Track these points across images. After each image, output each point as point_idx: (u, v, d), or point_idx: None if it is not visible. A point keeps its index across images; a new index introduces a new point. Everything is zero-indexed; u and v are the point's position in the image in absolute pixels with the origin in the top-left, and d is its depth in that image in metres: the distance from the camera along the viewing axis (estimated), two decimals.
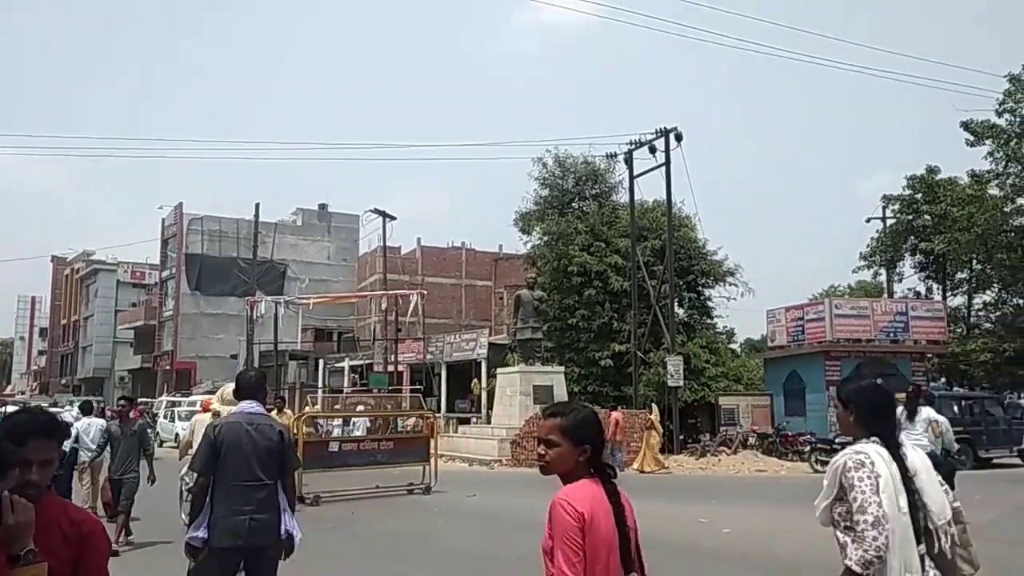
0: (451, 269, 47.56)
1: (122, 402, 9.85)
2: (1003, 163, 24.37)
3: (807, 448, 20.23)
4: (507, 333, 31.81)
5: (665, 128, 23.83)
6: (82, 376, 62.15)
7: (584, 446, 2.49)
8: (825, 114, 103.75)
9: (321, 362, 40.45)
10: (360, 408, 20.22)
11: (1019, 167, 23.94)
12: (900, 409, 9.65)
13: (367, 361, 37.47)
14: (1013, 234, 24.66)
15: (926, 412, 9.46)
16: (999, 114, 24.14)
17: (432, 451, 14.68)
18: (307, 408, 23.18)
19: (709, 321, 30.25)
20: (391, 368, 32.58)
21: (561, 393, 22.76)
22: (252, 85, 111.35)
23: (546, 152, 31.80)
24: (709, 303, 30.13)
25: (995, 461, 19.22)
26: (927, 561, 2.74)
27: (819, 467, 18.64)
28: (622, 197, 29.55)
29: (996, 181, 24.74)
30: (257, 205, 35.37)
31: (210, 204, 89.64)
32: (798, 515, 11.72)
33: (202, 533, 4.15)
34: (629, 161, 25.53)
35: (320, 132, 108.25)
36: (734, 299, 29.86)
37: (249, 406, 4.53)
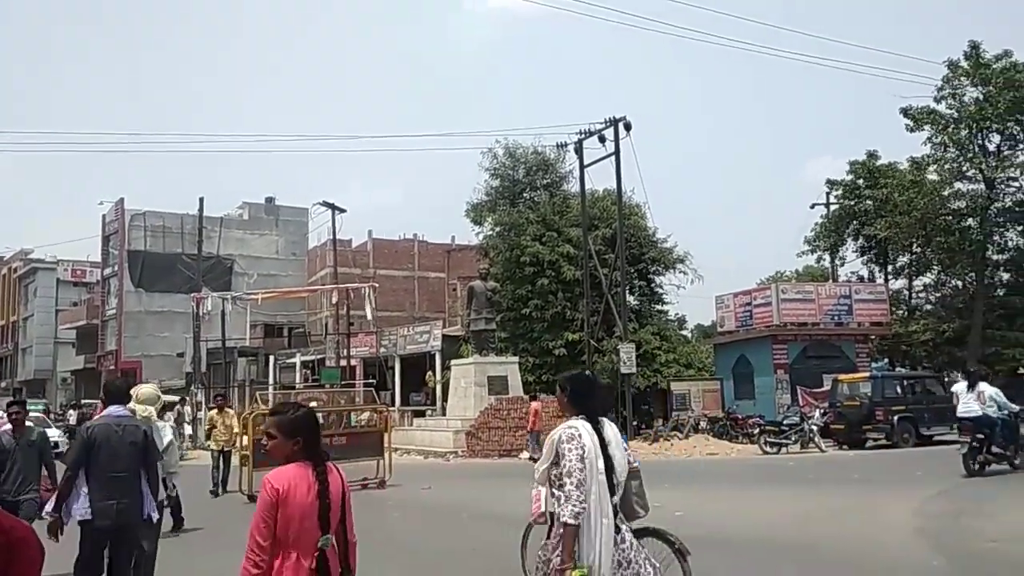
0: (403, 261, 47.19)
1: (15, 408, 7.35)
2: (941, 148, 25.10)
3: (756, 430, 20.60)
4: (461, 325, 31.73)
5: (614, 118, 23.92)
6: (23, 378, 60.07)
7: (296, 439, 3.06)
8: (771, 102, 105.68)
9: (272, 358, 39.80)
10: (313, 404, 19.89)
11: (957, 152, 24.70)
12: (963, 383, 12.97)
13: (319, 356, 37.02)
14: (951, 217, 25.43)
15: (981, 386, 12.58)
16: (937, 100, 24.88)
17: (386, 445, 14.54)
18: (256, 406, 22.75)
19: (660, 308, 30.60)
20: (344, 362, 32.22)
21: (516, 382, 22.82)
22: (194, 76, 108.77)
23: (496, 143, 31.69)
24: (660, 290, 30.49)
25: (936, 438, 19.81)
26: (616, 507, 3.57)
27: (768, 448, 19.05)
28: (573, 187, 29.69)
29: (935, 166, 25.47)
30: (201, 199, 34.53)
31: (152, 199, 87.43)
32: (749, 496, 11.99)
33: (81, 515, 5.09)
34: (579, 151, 25.59)
35: (266, 124, 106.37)
36: (684, 287, 30.29)
37: (117, 410, 5.39)
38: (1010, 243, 26.47)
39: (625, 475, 3.64)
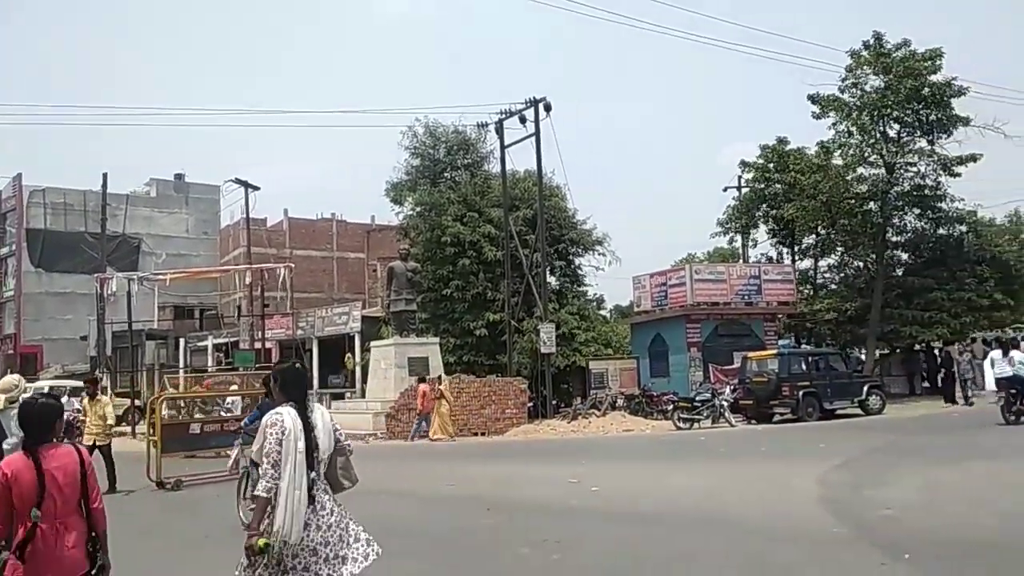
0: (321, 241, 46.27)
1: None
2: (845, 134, 26.15)
3: (670, 407, 21.18)
4: (381, 306, 31.38)
5: (534, 98, 23.95)
6: None
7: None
8: (691, 87, 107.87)
9: (182, 341, 38.49)
10: (233, 388, 19.37)
11: (860, 138, 25.78)
12: (999, 351, 15.61)
13: (232, 339, 36.01)
14: (854, 201, 26.54)
15: (1013, 352, 15.21)
16: (842, 88, 25.85)
17: None
18: (165, 390, 21.98)
19: (580, 289, 30.97)
20: (258, 345, 31.43)
21: (436, 364, 22.75)
22: (97, 46, 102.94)
23: (416, 121, 31.23)
24: (579, 271, 30.85)
25: (838, 412, 20.79)
26: (319, 481, 4.08)
27: (681, 424, 19.62)
28: (494, 167, 29.64)
29: (839, 151, 26.52)
30: (105, 175, 32.77)
31: (53, 175, 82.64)
32: (662, 470, 12.31)
33: None
34: (500, 131, 25.54)
35: (176, 97, 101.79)
36: (602, 268, 30.73)
37: None
38: (908, 226, 27.85)
39: (329, 453, 4.18)
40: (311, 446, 3.96)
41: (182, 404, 17.40)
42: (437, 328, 26.93)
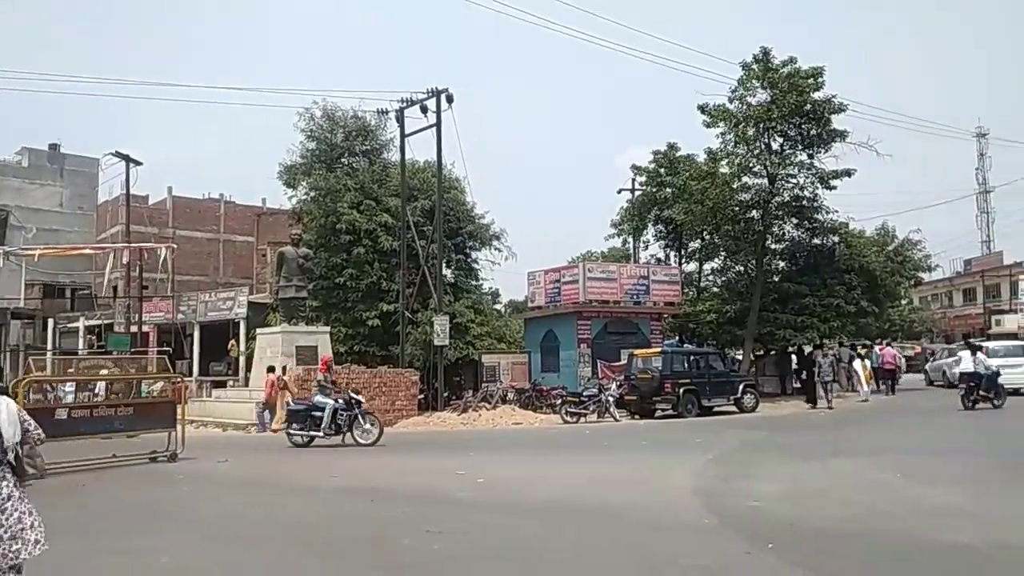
0: (208, 223, 44.35)
1: None
2: (732, 144, 27.33)
3: (559, 401, 21.58)
4: (269, 292, 30.44)
5: (437, 89, 23.79)
6: None
7: None
8: (593, 90, 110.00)
9: (51, 322, 36.11)
10: (104, 372, 18.33)
11: (745, 149, 27.00)
12: (968, 352, 18.90)
13: (107, 321, 34.04)
14: (738, 208, 27.76)
15: (979, 355, 18.49)
16: (731, 99, 26.99)
17: (179, 416, 13.67)
18: (31, 373, 20.55)
19: (475, 282, 31.02)
20: (135, 328, 29.86)
21: (326, 353, 22.30)
22: None
23: (314, 103, 30.30)
24: (476, 265, 30.87)
25: (716, 409, 21.78)
26: (2, 467, 4.49)
27: (569, 418, 20.06)
28: (393, 155, 29.18)
29: (726, 160, 27.67)
30: None
31: None
32: (548, 462, 12.56)
33: None
34: (400, 119, 25.24)
35: (56, 62, 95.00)
36: (499, 263, 30.88)
37: None
38: (786, 234, 29.38)
39: (14, 442, 4.53)
40: None
41: (49, 388, 16.36)
42: (328, 317, 26.38)
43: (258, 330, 24.29)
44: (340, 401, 15.28)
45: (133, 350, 26.73)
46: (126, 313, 31.48)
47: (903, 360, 35.84)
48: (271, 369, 20.11)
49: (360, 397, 15.92)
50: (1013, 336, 37.99)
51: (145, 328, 30.91)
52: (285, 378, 19.63)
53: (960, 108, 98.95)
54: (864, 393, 24.56)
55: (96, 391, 17.08)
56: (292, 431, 15.43)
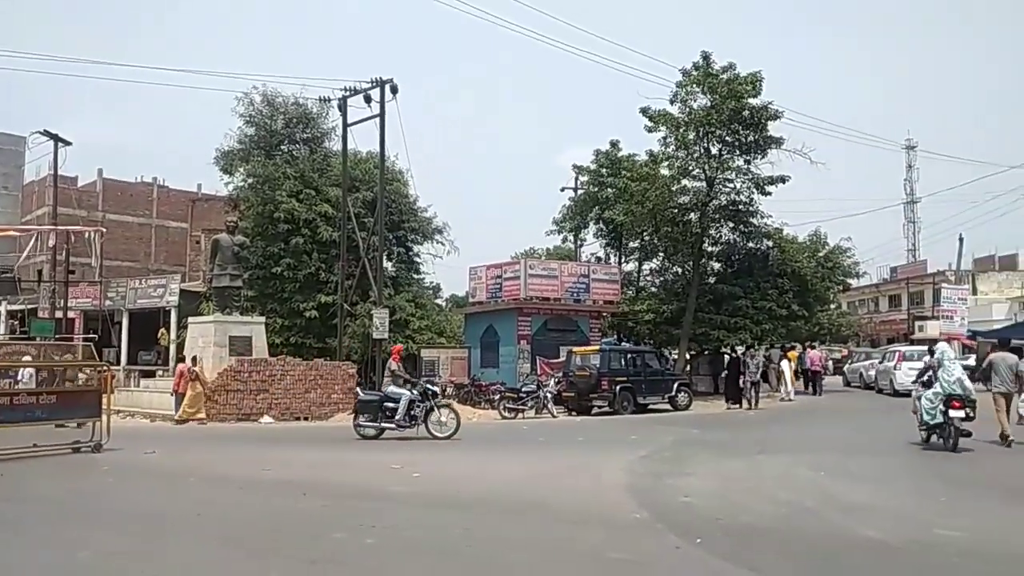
0: (140, 207, 43.05)
1: None
2: (672, 147, 27.81)
3: (497, 397, 21.68)
4: (203, 280, 29.74)
5: (381, 79, 23.53)
6: None
7: None
8: (540, 89, 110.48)
9: None
10: (26, 359, 17.59)
11: (685, 152, 27.51)
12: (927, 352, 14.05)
13: (31, 306, 32.74)
14: (677, 210, 28.30)
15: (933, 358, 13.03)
16: (672, 103, 27.45)
17: (105, 406, 13.23)
18: None
19: (417, 276, 30.87)
20: (60, 314, 28.75)
21: (261, 344, 21.94)
22: None
23: (253, 88, 29.70)
24: (417, 259, 30.73)
25: (651, 407, 22.17)
26: None
27: (507, 414, 20.16)
28: (335, 144, 28.80)
29: (666, 162, 28.17)
30: None
31: None
32: (484, 458, 12.59)
33: None
34: (343, 108, 24.88)
35: None
36: (440, 257, 30.81)
37: None
38: (722, 237, 30.08)
39: None
40: None
41: None
42: (264, 307, 25.90)
43: (190, 319, 23.69)
44: (415, 392, 14.75)
45: (58, 336, 25.77)
46: (51, 298, 30.28)
47: (830, 362, 37.11)
48: (181, 359, 19.79)
49: (436, 388, 15.36)
50: (934, 340, 39.73)
51: (71, 314, 29.81)
52: (196, 369, 19.23)
53: (892, 121, 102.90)
54: (788, 393, 25.36)
55: (19, 378, 16.40)
56: (361, 423, 14.73)
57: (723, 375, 25.70)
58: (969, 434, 11.76)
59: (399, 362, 15.57)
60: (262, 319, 23.33)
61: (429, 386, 15.14)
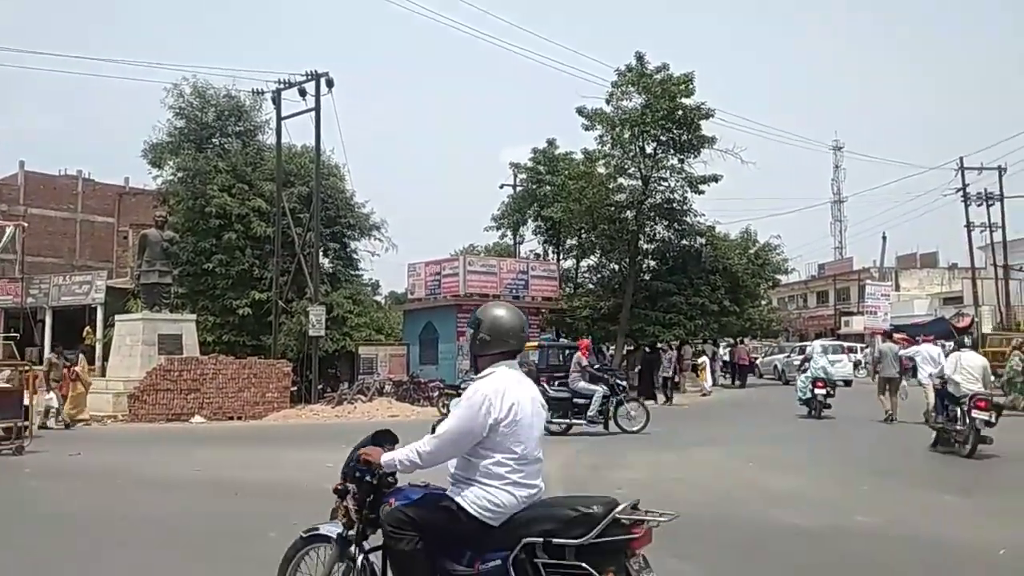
0: (64, 201, 41.39)
1: None
2: (608, 145, 28.21)
3: (436, 393, 21.65)
4: (131, 276, 28.83)
5: (316, 72, 23.20)
6: None
7: None
8: (474, 83, 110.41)
9: None
10: None
11: (621, 151, 27.93)
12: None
13: None
14: (613, 208, 28.72)
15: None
16: (608, 102, 27.83)
17: (28, 406, 12.77)
18: None
19: (354, 273, 30.53)
20: None
21: (192, 342, 21.43)
22: None
23: (184, 80, 28.77)
24: (355, 255, 30.38)
25: None
26: None
27: (445, 410, 20.09)
28: (269, 138, 28.19)
29: (603, 161, 28.57)
30: None
31: None
32: None
33: None
34: (277, 101, 24.42)
35: None
36: (378, 254, 30.52)
37: None
38: (657, 235, 30.65)
39: None
40: None
41: None
42: (195, 305, 25.26)
43: (117, 317, 22.95)
44: (605, 387, 14.56)
45: None
46: None
47: (758, 357, 38.26)
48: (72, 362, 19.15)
49: (624, 383, 15.09)
50: (859, 336, 41.44)
51: None
52: (77, 369, 18.56)
53: (822, 123, 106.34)
54: (707, 387, 26.25)
55: None
56: (550, 419, 14.36)
57: (637, 370, 26.04)
58: (829, 407, 16.60)
59: (588, 357, 15.67)
60: (193, 316, 22.77)
61: (618, 382, 15.12)
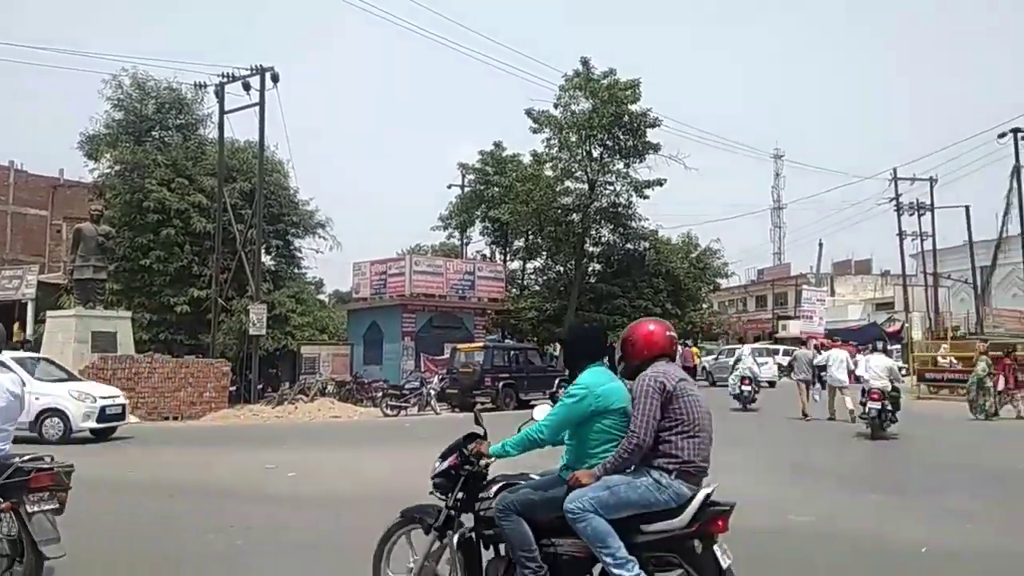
0: None
1: None
2: (556, 148, 28.47)
3: (380, 394, 21.48)
4: (64, 272, 27.87)
5: (261, 66, 22.84)
6: None
7: None
8: (423, 83, 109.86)
9: None
10: None
11: (568, 154, 28.22)
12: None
13: None
14: (560, 211, 29.01)
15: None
16: (556, 106, 28.09)
17: None
18: None
19: (298, 271, 30.10)
20: None
21: (127, 340, 20.81)
22: None
23: (123, 71, 27.98)
24: (298, 253, 29.96)
25: (533, 403, 22.51)
26: None
27: (389, 411, 20.02)
28: (211, 132, 27.59)
29: (550, 164, 28.82)
30: None
31: None
32: (363, 456, 12.48)
33: None
34: (220, 95, 23.94)
35: None
36: (322, 252, 30.16)
37: None
38: (602, 238, 31.07)
39: None
40: None
41: None
42: (131, 301, 24.57)
43: (49, 313, 22.16)
44: None
45: None
46: None
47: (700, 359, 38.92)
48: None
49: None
50: (797, 339, 42.60)
51: None
52: None
53: (764, 130, 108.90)
54: None
55: None
56: None
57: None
58: (755, 400, 18.75)
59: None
60: (128, 314, 22.12)
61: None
